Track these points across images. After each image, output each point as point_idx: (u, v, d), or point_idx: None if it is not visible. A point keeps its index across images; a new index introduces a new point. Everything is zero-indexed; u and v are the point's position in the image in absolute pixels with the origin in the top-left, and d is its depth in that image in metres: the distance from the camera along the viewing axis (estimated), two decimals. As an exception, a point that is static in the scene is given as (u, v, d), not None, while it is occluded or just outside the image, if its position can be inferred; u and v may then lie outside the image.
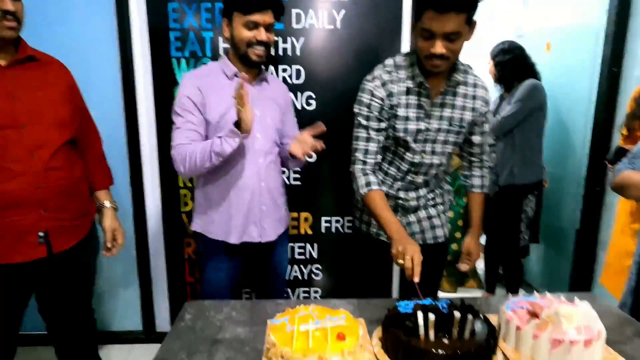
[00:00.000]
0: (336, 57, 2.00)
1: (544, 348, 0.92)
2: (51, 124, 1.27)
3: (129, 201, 2.09)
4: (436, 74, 1.30)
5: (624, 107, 2.04)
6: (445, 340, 0.90)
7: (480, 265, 2.90)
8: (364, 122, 1.37)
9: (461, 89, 1.37)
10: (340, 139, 2.06)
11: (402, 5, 1.96)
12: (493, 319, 1.06)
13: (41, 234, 1.26)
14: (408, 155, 1.41)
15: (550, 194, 2.49)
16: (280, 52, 1.99)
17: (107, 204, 1.52)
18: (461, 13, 1.14)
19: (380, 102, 1.34)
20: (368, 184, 1.36)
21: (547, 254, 2.75)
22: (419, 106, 1.35)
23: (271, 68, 2.00)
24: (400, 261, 1.15)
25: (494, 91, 2.61)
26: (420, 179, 1.46)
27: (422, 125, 1.36)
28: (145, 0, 1.91)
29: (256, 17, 1.37)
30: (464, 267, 1.52)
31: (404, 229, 1.28)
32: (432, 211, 1.53)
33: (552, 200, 2.51)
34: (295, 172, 2.12)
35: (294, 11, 1.95)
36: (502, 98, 2.50)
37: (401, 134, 1.37)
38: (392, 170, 1.46)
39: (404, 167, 1.44)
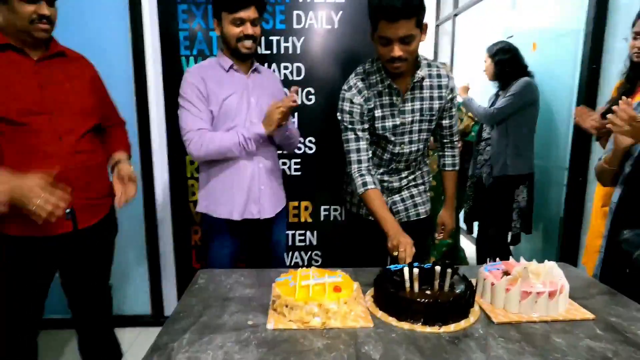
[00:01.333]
0: (334, 55, 2.15)
1: (514, 299, 1.05)
2: (76, 113, 1.40)
3: (140, 190, 2.22)
4: (401, 74, 1.45)
5: (604, 100, 2.18)
6: (428, 292, 1.03)
7: (471, 249, 3.04)
8: (350, 126, 1.53)
9: (426, 82, 1.52)
10: (338, 132, 2.20)
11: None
12: (473, 281, 1.20)
13: (68, 210, 1.39)
14: (389, 147, 1.58)
15: (537, 184, 2.62)
16: (282, 51, 2.13)
17: (124, 157, 1.57)
18: (410, 19, 1.29)
19: (360, 107, 1.51)
20: (364, 184, 1.50)
21: (535, 240, 2.88)
22: (392, 104, 1.51)
23: (270, 67, 2.14)
24: (395, 253, 1.30)
25: (490, 88, 2.78)
26: (402, 165, 1.63)
27: (398, 121, 1.53)
28: (156, 3, 2.06)
29: (241, 14, 1.53)
30: (439, 237, 1.77)
31: (398, 225, 1.41)
32: (414, 190, 1.70)
33: (539, 189, 2.64)
34: (296, 163, 2.26)
35: (295, 12, 2.10)
36: (497, 95, 2.64)
37: (380, 132, 1.54)
38: (376, 159, 1.62)
39: (387, 156, 1.60)
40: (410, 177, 1.68)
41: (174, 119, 2.14)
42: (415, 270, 1.03)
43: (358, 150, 1.53)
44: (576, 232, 2.37)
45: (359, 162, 1.53)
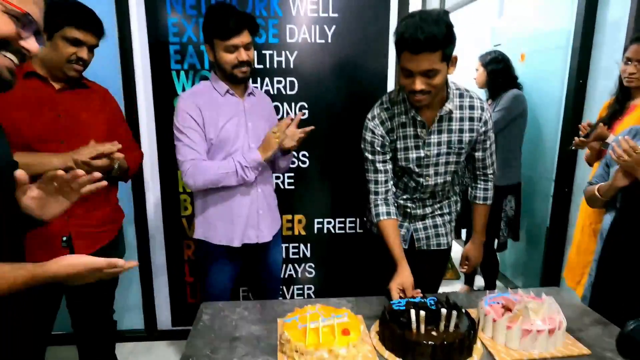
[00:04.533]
0: (327, 69, 2.14)
1: (515, 337, 1.09)
2: (86, 143, 1.37)
3: (131, 205, 2.19)
4: (427, 105, 1.39)
5: (590, 115, 2.24)
6: (434, 333, 1.06)
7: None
8: (370, 156, 1.51)
9: (457, 114, 1.45)
10: (331, 146, 2.22)
11: (389, 20, 2.11)
12: (473, 312, 1.24)
13: (64, 238, 1.40)
14: (413, 178, 1.55)
15: (524, 194, 2.69)
16: (275, 65, 2.11)
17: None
18: (434, 52, 1.22)
19: (382, 138, 1.48)
20: (377, 215, 1.52)
21: (521, 248, 2.97)
22: (417, 136, 1.47)
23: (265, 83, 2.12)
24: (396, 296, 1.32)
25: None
26: (426, 195, 1.59)
27: (422, 153, 1.48)
28: (145, 16, 2.00)
29: (234, 41, 1.49)
30: (462, 270, 1.77)
31: (404, 259, 1.44)
32: (438, 220, 1.66)
33: (526, 199, 2.71)
34: (289, 177, 2.25)
35: (288, 27, 2.07)
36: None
37: (403, 163, 1.51)
38: (402, 185, 1.60)
39: (412, 184, 1.57)
40: (436, 207, 1.64)
41: (164, 134, 2.11)
42: (422, 313, 1.06)
43: (376, 182, 1.53)
44: (561, 242, 2.46)
45: (376, 193, 1.54)
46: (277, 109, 2.14)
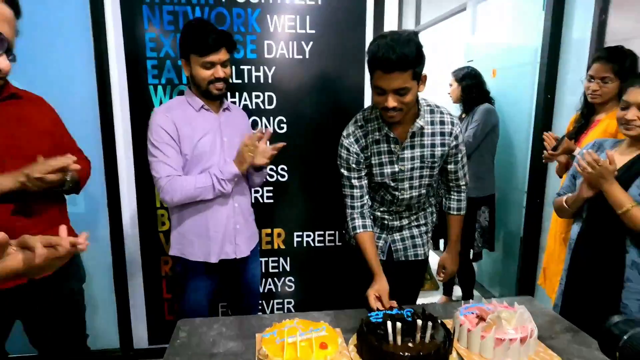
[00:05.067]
0: (306, 84, 2.17)
1: (489, 346, 1.12)
2: (29, 159, 1.26)
3: (107, 222, 2.15)
4: (400, 121, 1.44)
5: (558, 128, 2.33)
6: (410, 344, 1.08)
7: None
8: (346, 173, 1.56)
9: (428, 129, 1.50)
10: (310, 159, 2.24)
11: (365, 37, 2.16)
12: (449, 323, 1.26)
13: None
14: (389, 192, 1.59)
15: (498, 205, 2.76)
16: (253, 80, 2.13)
17: None
18: (406, 71, 1.27)
19: (357, 155, 1.52)
20: (354, 228, 1.56)
21: (497, 258, 3.04)
22: (390, 152, 1.51)
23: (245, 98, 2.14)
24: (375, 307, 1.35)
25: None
26: (403, 207, 1.63)
27: (397, 168, 1.53)
28: (122, 30, 1.99)
29: (212, 58, 1.50)
30: (439, 278, 1.81)
31: (380, 270, 1.48)
32: (415, 231, 1.71)
33: (500, 210, 2.79)
34: (268, 191, 2.26)
35: (266, 42, 2.10)
36: (461, 118, 2.76)
37: (379, 178, 1.55)
38: (377, 200, 1.64)
39: (388, 198, 1.61)
40: (412, 218, 1.68)
41: (141, 148, 2.09)
42: (398, 324, 1.07)
43: (352, 197, 1.57)
44: (534, 252, 2.53)
45: (352, 207, 1.58)
46: (255, 123, 2.16)
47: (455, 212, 1.74)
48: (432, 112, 1.52)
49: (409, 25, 5.04)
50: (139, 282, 2.26)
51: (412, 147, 1.51)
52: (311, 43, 2.13)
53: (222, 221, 1.62)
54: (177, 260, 1.68)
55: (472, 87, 2.69)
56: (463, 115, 2.75)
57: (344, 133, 1.55)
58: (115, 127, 2.07)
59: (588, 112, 1.90)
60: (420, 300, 1.82)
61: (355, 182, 1.55)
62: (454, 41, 3.60)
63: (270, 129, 1.70)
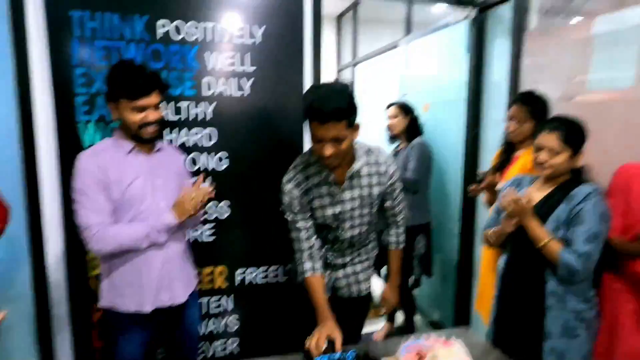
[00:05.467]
0: (247, 121, 2.17)
1: (428, 384, 1.16)
2: None
3: (27, 269, 1.97)
4: (339, 164, 1.50)
5: (485, 161, 2.52)
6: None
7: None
8: (291, 217, 1.59)
9: (365, 170, 1.58)
10: (253, 194, 2.23)
11: (304, 74, 2.21)
12: (391, 361, 1.29)
13: None
14: (331, 232, 1.64)
15: (434, 232, 2.90)
16: (192, 116, 2.10)
17: None
18: (341, 122, 1.34)
19: (299, 199, 1.55)
20: (303, 272, 1.58)
21: (435, 283, 3.16)
22: (331, 194, 1.57)
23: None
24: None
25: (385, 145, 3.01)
26: (345, 245, 1.68)
27: (337, 210, 1.58)
28: (49, 65, 1.88)
29: (143, 102, 1.45)
30: (381, 312, 1.82)
31: (327, 312, 1.50)
32: (358, 267, 1.75)
33: (436, 237, 2.92)
34: (210, 228, 2.20)
35: (205, 79, 2.08)
36: (397, 152, 2.89)
37: (320, 220, 1.59)
38: (320, 239, 1.67)
39: (331, 237, 1.66)
40: (354, 254, 1.73)
41: (69, 186, 1.96)
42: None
43: (299, 240, 1.59)
44: (469, 278, 2.67)
45: (300, 250, 1.60)
46: (195, 159, 2.12)
47: (395, 246, 1.80)
48: (367, 153, 1.60)
49: (347, 58, 5.25)
50: (66, 335, 2.08)
51: (351, 188, 1.57)
52: (252, 80, 2.15)
53: (155, 269, 1.55)
54: (107, 313, 1.57)
55: (407, 120, 2.84)
56: (400, 148, 2.89)
57: (285, 179, 1.58)
58: (40, 167, 1.93)
59: (508, 149, 2.08)
60: (364, 329, 1.85)
61: (300, 225, 1.58)
62: (390, 75, 3.79)
63: (202, 176, 1.67)
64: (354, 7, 4.95)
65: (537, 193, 1.60)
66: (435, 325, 3.13)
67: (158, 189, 1.56)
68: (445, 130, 2.93)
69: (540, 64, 2.16)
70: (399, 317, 3.16)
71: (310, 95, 1.37)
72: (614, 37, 1.74)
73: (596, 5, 1.92)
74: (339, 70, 5.43)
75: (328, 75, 5.24)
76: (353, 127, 1.42)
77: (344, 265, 1.73)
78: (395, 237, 1.80)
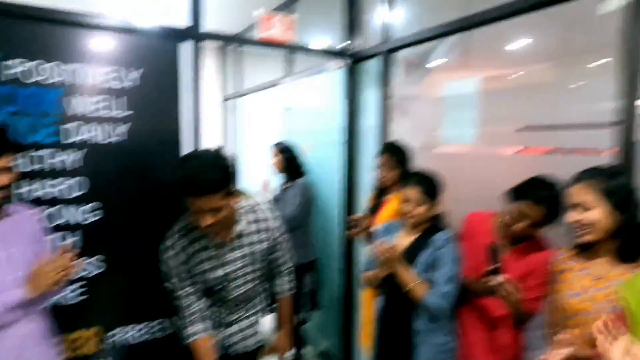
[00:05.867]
0: (120, 168, 2.02)
1: None
2: None
3: None
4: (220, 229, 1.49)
5: (361, 202, 2.71)
6: None
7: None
8: (172, 284, 1.53)
9: (248, 229, 1.59)
10: (129, 246, 2.06)
11: (179, 119, 2.15)
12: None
13: None
14: (219, 293, 1.60)
15: (321, 267, 3.02)
16: (55, 166, 1.89)
17: None
18: (216, 194, 1.32)
19: (180, 266, 1.51)
20: (188, 336, 1.53)
21: (323, 315, 3.28)
22: (215, 257, 1.54)
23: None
24: None
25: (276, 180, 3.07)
26: (232, 303, 1.65)
27: (221, 272, 1.56)
28: None
29: None
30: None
31: None
32: (247, 322, 1.73)
33: (323, 272, 3.05)
34: (81, 286, 1.97)
35: (71, 125, 1.90)
36: (284, 189, 2.95)
37: (207, 283, 1.55)
38: (208, 299, 1.62)
39: (217, 298, 1.62)
40: (242, 311, 1.70)
41: None
42: None
43: (181, 307, 1.55)
44: (353, 311, 2.83)
45: (183, 317, 1.54)
46: (55, 214, 1.89)
47: (284, 294, 1.84)
48: (250, 211, 1.61)
49: (232, 88, 5.24)
50: None
51: (237, 248, 1.58)
52: (126, 124, 2.02)
53: (12, 350, 1.34)
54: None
55: (292, 159, 2.94)
56: (285, 186, 2.97)
57: (164, 246, 1.52)
58: None
59: (380, 193, 2.29)
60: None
61: (183, 292, 1.54)
62: (275, 110, 3.87)
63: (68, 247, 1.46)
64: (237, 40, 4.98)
65: (405, 239, 1.80)
66: (325, 356, 3.23)
67: (10, 260, 1.36)
68: (327, 171, 3.08)
69: (405, 115, 2.43)
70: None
71: (180, 171, 1.32)
72: (459, 100, 2.06)
73: (447, 69, 2.25)
74: (225, 100, 5.39)
75: (211, 106, 5.16)
76: (231, 194, 1.41)
77: (233, 322, 1.71)
78: (284, 285, 1.84)
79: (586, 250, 1.35)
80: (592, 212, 1.25)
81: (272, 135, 3.56)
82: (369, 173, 2.65)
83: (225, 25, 3.95)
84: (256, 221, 1.62)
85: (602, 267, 1.31)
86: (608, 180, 1.26)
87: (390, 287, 1.78)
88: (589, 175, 1.29)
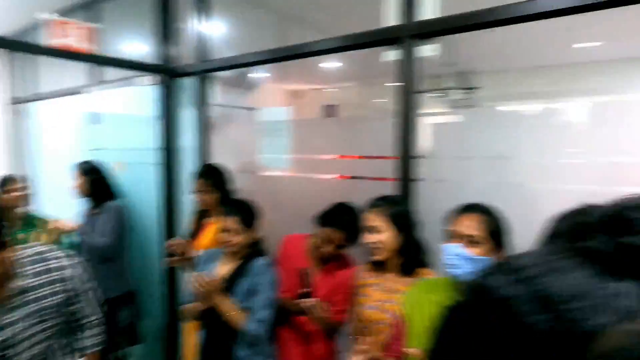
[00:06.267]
0: None
1: None
2: None
3: None
4: None
5: (181, 226, 2.59)
6: None
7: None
8: None
9: (34, 282, 1.34)
10: None
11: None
12: None
13: None
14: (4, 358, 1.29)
15: (142, 297, 2.77)
16: None
17: None
18: None
19: None
20: None
21: (147, 346, 3.02)
22: None
23: None
24: None
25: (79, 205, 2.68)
26: None
27: (6, 334, 1.27)
28: None
29: None
30: None
31: None
32: None
33: (144, 302, 2.80)
34: None
35: None
36: (92, 214, 2.58)
37: None
38: None
39: None
40: None
41: None
42: None
43: None
44: (176, 343, 2.68)
45: None
46: None
47: (92, 350, 1.59)
48: (36, 262, 1.37)
49: (24, 91, 4.38)
50: None
51: (17, 307, 1.31)
52: None
53: None
54: None
55: (98, 181, 2.60)
56: (92, 212, 2.62)
57: None
58: None
59: (201, 216, 2.23)
60: None
61: None
62: (77, 122, 3.37)
63: None
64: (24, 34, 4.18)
65: (225, 267, 1.79)
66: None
67: None
68: (143, 192, 2.84)
69: (224, 137, 2.42)
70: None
71: None
72: (273, 126, 2.16)
73: (266, 89, 2.33)
74: (13, 103, 4.46)
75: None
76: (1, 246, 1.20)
77: None
78: (92, 339, 1.59)
79: (379, 267, 1.58)
80: (382, 234, 1.48)
81: (77, 150, 3.10)
82: (189, 195, 2.55)
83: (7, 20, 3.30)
84: (47, 271, 1.37)
85: (391, 281, 1.56)
86: (393, 207, 1.50)
87: (211, 318, 1.75)
88: (379, 202, 1.52)
